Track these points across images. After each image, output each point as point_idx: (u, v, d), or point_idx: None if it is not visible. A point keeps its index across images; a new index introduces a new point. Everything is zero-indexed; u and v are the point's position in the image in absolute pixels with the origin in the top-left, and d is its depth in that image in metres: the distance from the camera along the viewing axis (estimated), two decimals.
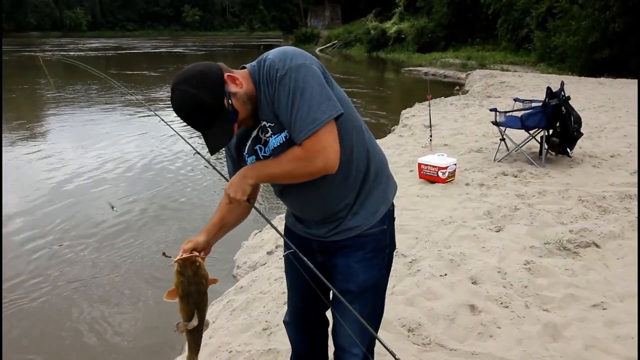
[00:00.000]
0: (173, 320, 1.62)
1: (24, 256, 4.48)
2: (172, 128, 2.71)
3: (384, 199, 1.68)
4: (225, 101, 1.43)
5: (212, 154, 1.49)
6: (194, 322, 1.59)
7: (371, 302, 1.70)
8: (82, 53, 32.04)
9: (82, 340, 3.30)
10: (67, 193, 6.17)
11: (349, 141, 1.56)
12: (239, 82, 1.47)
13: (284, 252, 1.74)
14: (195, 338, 1.65)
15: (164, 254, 1.61)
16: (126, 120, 11.47)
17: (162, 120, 2.77)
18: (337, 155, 1.45)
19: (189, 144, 2.33)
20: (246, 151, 1.63)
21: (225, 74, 1.46)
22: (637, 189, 4.73)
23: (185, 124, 1.47)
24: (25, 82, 17.58)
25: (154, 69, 22.99)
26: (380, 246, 1.68)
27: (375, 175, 1.66)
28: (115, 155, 8.03)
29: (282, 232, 1.79)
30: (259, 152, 1.59)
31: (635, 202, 4.38)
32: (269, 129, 1.52)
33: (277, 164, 1.50)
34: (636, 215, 4.07)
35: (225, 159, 1.80)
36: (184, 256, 1.55)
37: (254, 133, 1.58)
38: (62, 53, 32.07)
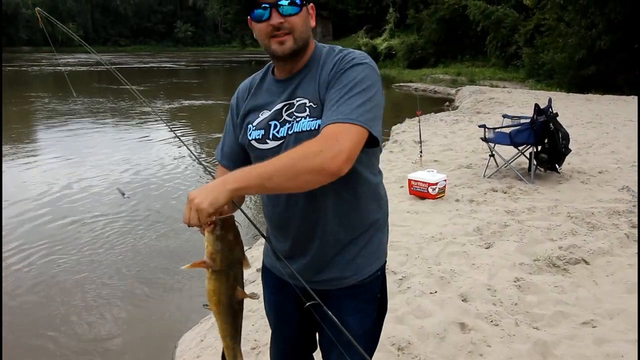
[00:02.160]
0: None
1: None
2: (177, 137, 2.69)
3: (383, 250, 1.57)
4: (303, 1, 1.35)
5: (245, 6, 1.37)
6: (242, 296, 1.28)
7: (364, 348, 1.58)
8: (71, 68, 31.98)
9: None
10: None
11: (373, 177, 1.48)
12: (312, 21, 1.41)
13: (304, 303, 1.38)
14: (238, 321, 1.34)
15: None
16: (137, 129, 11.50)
17: (172, 131, 2.74)
18: (350, 162, 1.23)
19: (192, 153, 2.31)
20: (255, 123, 1.45)
21: (311, 4, 1.41)
22: (626, 204, 4.77)
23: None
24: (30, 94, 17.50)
25: (146, 83, 22.99)
26: (373, 293, 1.56)
27: (377, 222, 1.54)
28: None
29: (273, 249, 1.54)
30: (272, 130, 1.41)
31: (624, 219, 4.40)
32: (307, 109, 1.37)
33: (275, 159, 1.22)
34: (624, 232, 4.09)
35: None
36: (222, 216, 1.21)
37: (277, 106, 1.42)
38: (57, 67, 32.08)
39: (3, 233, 5.07)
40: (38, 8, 1.95)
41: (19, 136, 11.12)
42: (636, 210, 4.55)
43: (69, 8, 78.91)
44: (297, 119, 1.37)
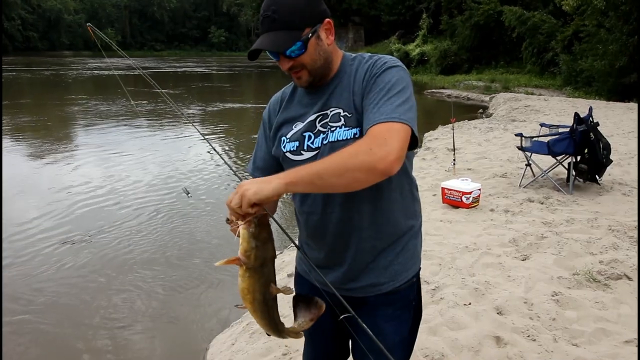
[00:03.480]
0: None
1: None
2: (210, 145, 2.71)
3: (418, 255, 1.56)
4: (308, 31, 1.32)
5: (248, 57, 1.37)
6: (276, 292, 1.30)
7: (400, 356, 1.57)
8: (107, 72, 32.96)
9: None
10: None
11: (408, 182, 1.48)
12: (330, 37, 1.38)
13: (337, 315, 1.37)
14: (275, 313, 1.36)
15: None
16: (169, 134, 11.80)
17: (206, 139, 2.79)
18: (400, 161, 1.21)
19: (224, 160, 2.33)
20: (289, 135, 1.46)
21: (327, 19, 1.37)
22: None
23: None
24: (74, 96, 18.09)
25: (180, 87, 23.46)
26: (408, 300, 1.55)
27: (412, 228, 1.53)
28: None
29: (305, 254, 1.57)
30: (306, 141, 1.42)
31: None
32: (342, 118, 1.37)
33: (325, 158, 1.23)
34: None
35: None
36: (256, 214, 1.21)
37: (310, 117, 1.43)
38: (90, 71, 33.07)
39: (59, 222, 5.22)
40: (89, 24, 2.09)
41: (93, 137, 11.49)
42: None
43: (108, 14, 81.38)
44: (332, 129, 1.38)
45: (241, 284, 1.27)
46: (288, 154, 1.46)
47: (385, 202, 1.44)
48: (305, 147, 1.42)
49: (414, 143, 1.31)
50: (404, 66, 1.38)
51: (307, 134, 1.42)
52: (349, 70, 1.41)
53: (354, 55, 1.46)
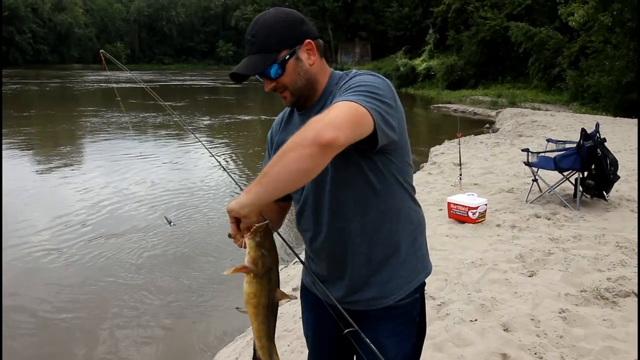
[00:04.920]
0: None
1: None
2: (215, 158, 2.74)
3: (422, 267, 1.55)
4: (285, 53, 1.35)
5: (232, 79, 1.38)
6: (281, 297, 1.34)
7: None
8: (116, 85, 33.35)
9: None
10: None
11: (400, 191, 1.46)
12: (313, 57, 1.39)
13: (342, 330, 1.40)
14: (273, 321, 1.39)
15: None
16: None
17: (208, 151, 2.80)
18: (342, 130, 1.12)
19: (230, 175, 2.34)
20: None
21: (308, 40, 1.37)
22: None
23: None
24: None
25: (186, 99, 23.64)
26: (411, 316, 1.54)
27: (411, 239, 1.51)
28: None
29: (307, 266, 1.60)
30: None
31: None
32: None
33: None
34: None
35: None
36: (258, 223, 1.26)
37: None
38: (97, 84, 33.45)
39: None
40: (102, 50, 2.21)
41: (91, 151, 11.59)
42: None
43: (118, 28, 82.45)
44: None
45: (248, 289, 1.30)
46: None
47: (375, 216, 1.44)
48: None
49: (374, 139, 1.24)
50: (383, 78, 1.37)
51: None
52: (335, 91, 1.41)
53: (341, 73, 1.46)
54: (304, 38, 1.38)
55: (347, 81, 1.36)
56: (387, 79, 1.37)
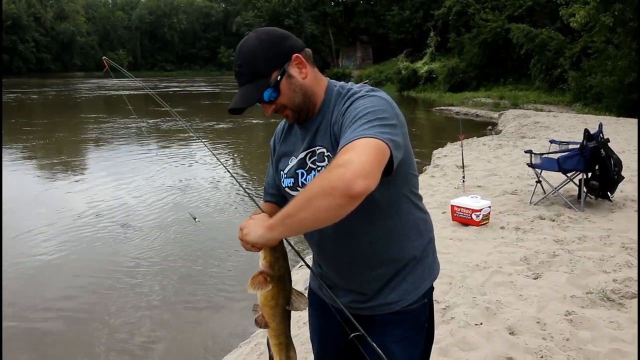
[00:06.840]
0: None
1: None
2: (220, 162, 2.74)
3: (429, 272, 1.53)
4: (276, 75, 1.33)
5: (229, 111, 1.39)
6: (301, 304, 1.38)
7: None
8: (117, 92, 33.53)
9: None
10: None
11: (409, 204, 1.45)
12: (304, 70, 1.36)
13: (349, 335, 1.40)
14: (289, 318, 1.42)
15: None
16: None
17: (213, 155, 2.80)
18: (370, 178, 1.09)
19: (235, 179, 2.34)
20: (285, 171, 1.49)
21: (295, 54, 1.35)
22: None
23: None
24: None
25: (189, 105, 23.72)
26: (419, 321, 1.52)
27: (419, 249, 1.51)
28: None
29: (315, 272, 1.59)
30: (300, 178, 1.44)
31: None
32: (326, 159, 1.37)
33: (301, 193, 1.17)
34: None
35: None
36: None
37: (301, 155, 1.44)
38: (99, 92, 33.58)
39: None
40: (105, 57, 2.25)
41: (100, 158, 11.63)
42: None
43: (120, 35, 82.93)
44: (318, 169, 1.39)
45: (265, 292, 1.33)
46: (287, 189, 1.50)
47: (382, 232, 1.43)
48: (300, 184, 1.44)
49: (389, 168, 1.21)
50: (382, 94, 1.34)
51: (299, 171, 1.44)
52: (333, 103, 1.39)
53: (337, 85, 1.43)
54: (291, 53, 1.35)
55: (349, 104, 1.32)
56: (386, 95, 1.35)
